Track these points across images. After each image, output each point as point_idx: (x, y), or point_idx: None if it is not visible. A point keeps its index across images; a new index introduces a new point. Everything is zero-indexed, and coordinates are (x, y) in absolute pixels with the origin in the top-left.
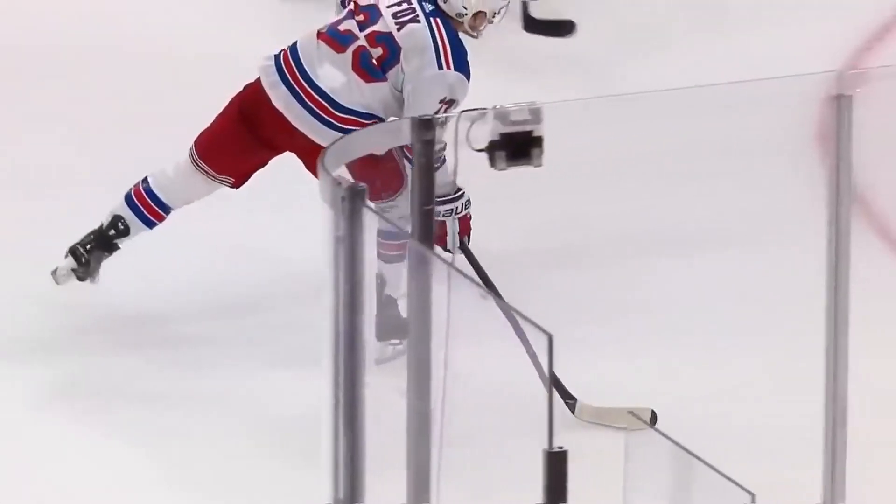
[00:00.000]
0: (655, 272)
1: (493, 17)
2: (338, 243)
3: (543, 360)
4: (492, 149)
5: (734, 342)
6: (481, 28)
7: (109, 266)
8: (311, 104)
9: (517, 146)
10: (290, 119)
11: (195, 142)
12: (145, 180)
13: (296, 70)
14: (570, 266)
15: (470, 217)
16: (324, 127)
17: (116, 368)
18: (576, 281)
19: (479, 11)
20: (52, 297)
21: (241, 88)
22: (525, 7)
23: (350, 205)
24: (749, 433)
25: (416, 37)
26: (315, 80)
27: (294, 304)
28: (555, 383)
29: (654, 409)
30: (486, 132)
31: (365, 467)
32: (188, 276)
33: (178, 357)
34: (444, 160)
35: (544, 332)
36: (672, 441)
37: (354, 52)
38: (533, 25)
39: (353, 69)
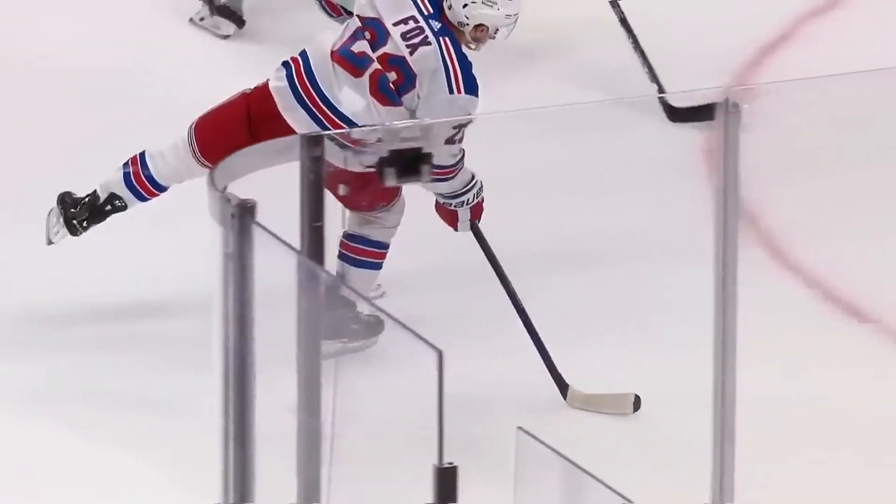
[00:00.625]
0: (550, 286)
1: (495, 32)
2: (227, 260)
3: (434, 376)
4: (381, 165)
5: (625, 353)
6: (482, 42)
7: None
8: (334, 129)
9: (406, 162)
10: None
11: (196, 132)
12: (144, 164)
13: (315, 94)
14: (461, 283)
15: (482, 200)
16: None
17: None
18: (466, 296)
19: (480, 24)
20: None
21: (245, 90)
22: (663, 100)
23: (239, 222)
24: (640, 443)
25: (429, 61)
26: (337, 106)
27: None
28: (549, 369)
29: (638, 394)
30: (372, 150)
31: (255, 486)
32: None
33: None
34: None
35: (434, 348)
36: (560, 455)
37: (372, 76)
38: (678, 115)
39: (371, 93)
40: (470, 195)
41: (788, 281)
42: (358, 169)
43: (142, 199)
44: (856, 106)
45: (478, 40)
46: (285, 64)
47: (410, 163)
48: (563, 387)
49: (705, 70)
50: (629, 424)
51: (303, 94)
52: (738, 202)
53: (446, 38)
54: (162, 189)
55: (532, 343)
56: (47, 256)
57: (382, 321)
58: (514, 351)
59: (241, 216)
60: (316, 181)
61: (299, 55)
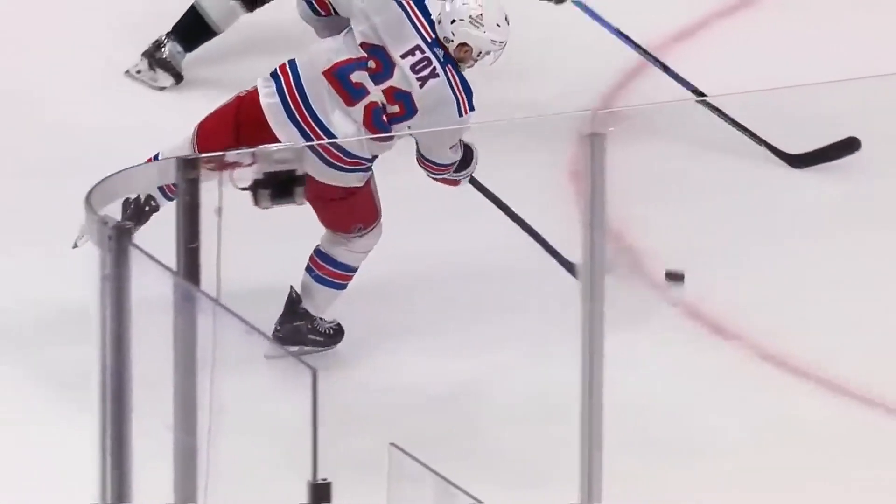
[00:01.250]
0: (423, 298)
1: (479, 55)
2: (104, 282)
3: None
4: (255, 187)
5: (497, 364)
6: (465, 62)
7: None
8: (321, 149)
9: (280, 185)
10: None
11: (197, 132)
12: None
13: (306, 113)
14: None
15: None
16: (328, 168)
17: None
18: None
19: (465, 43)
20: None
21: (241, 93)
22: (774, 150)
23: (117, 244)
24: (509, 458)
25: (438, 93)
26: (328, 127)
27: None
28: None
29: None
30: (250, 171)
31: (132, 502)
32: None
33: None
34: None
35: (309, 366)
36: (432, 470)
37: (367, 108)
38: (806, 160)
39: (364, 124)
40: (473, 168)
41: (654, 298)
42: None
43: (168, 198)
44: (718, 129)
45: (461, 60)
46: (274, 76)
47: (284, 185)
48: (569, 266)
49: (573, 92)
50: (499, 437)
51: (295, 112)
52: (605, 222)
53: (451, 67)
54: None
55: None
56: None
57: (343, 331)
58: (387, 367)
59: (118, 238)
60: (192, 203)
61: (289, 67)
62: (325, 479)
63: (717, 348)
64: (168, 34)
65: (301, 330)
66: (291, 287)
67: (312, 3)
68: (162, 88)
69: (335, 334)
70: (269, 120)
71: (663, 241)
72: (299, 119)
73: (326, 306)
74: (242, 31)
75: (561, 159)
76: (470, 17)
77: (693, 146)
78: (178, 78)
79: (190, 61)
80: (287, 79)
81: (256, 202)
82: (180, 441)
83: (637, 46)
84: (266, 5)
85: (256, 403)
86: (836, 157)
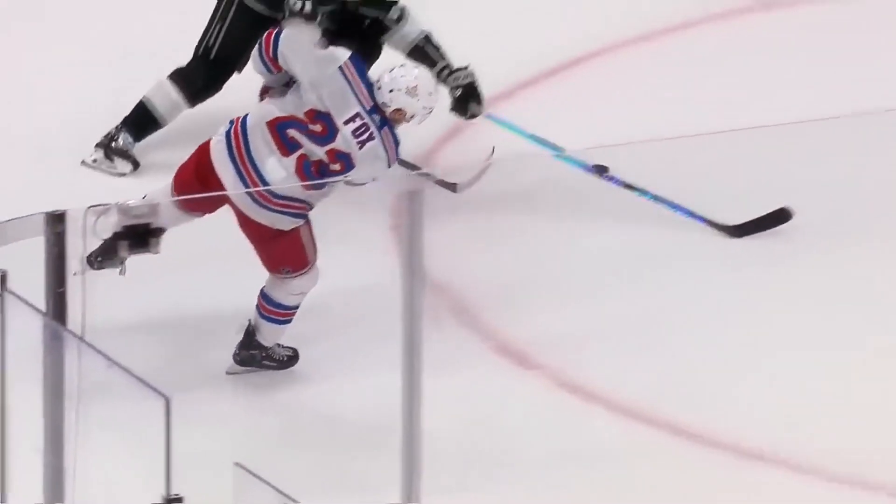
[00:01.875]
0: None
1: (410, 118)
2: None
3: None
4: (115, 239)
5: (328, 389)
6: (398, 123)
7: None
8: (255, 189)
9: (138, 236)
10: (231, 195)
11: (174, 175)
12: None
13: (245, 157)
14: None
15: None
16: (259, 208)
17: None
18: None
19: (399, 109)
20: None
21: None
22: (713, 224)
23: None
24: (343, 475)
25: (374, 152)
26: (262, 171)
27: None
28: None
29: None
30: (110, 224)
31: None
32: None
33: None
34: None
35: (161, 394)
36: (275, 489)
37: (298, 159)
38: (744, 230)
39: (295, 171)
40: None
41: (469, 336)
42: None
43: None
44: (542, 182)
45: (395, 121)
46: (231, 121)
47: (141, 236)
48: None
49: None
50: (333, 457)
51: (235, 154)
52: (423, 272)
53: (387, 129)
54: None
55: None
56: None
57: (297, 356)
58: (234, 390)
59: None
60: (59, 254)
61: (242, 117)
62: (177, 495)
63: (521, 377)
64: (118, 126)
65: (255, 356)
66: (249, 320)
67: (267, 63)
68: (122, 175)
69: (289, 360)
70: (213, 157)
71: (479, 285)
72: (238, 160)
73: (274, 338)
74: (185, 121)
75: (381, 217)
76: (406, 87)
77: (509, 196)
78: (136, 164)
79: (142, 147)
80: (236, 125)
81: (116, 252)
82: (49, 463)
83: (554, 148)
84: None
85: (116, 427)
86: (770, 226)
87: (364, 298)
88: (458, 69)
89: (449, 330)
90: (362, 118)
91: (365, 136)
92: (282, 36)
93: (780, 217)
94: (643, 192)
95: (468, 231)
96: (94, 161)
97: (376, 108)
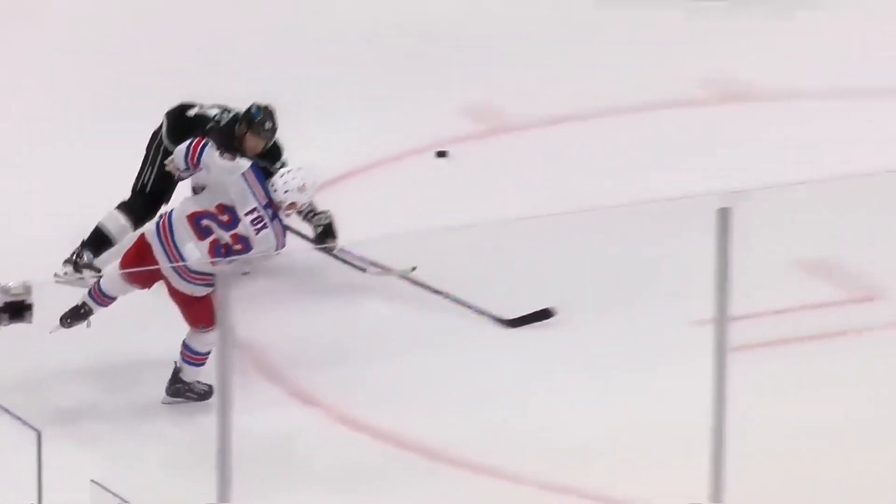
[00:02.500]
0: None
1: (301, 206)
2: None
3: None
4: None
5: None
6: (291, 212)
7: None
8: (178, 268)
9: (14, 310)
10: (162, 270)
11: (119, 261)
12: (98, 281)
13: (171, 241)
14: None
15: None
16: (182, 280)
17: None
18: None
19: (293, 202)
20: None
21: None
22: (491, 316)
23: None
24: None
25: (267, 238)
26: (182, 252)
27: None
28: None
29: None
30: None
31: None
32: None
33: None
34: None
35: (33, 428)
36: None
37: (211, 243)
38: (516, 322)
39: (208, 252)
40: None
41: (278, 393)
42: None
43: (99, 304)
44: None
45: (289, 212)
46: (160, 215)
47: (17, 310)
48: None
49: None
50: (197, 477)
51: (163, 237)
52: (234, 341)
53: (277, 220)
54: (112, 298)
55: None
56: None
57: (212, 390)
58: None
59: None
60: None
61: (169, 212)
62: None
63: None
64: (79, 247)
65: (181, 390)
66: (175, 362)
67: (188, 165)
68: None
69: (206, 393)
70: (148, 241)
71: (287, 349)
72: (165, 244)
73: (193, 377)
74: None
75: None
76: (297, 187)
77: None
78: (99, 271)
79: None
80: (164, 218)
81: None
82: None
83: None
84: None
85: None
86: (537, 320)
87: None
88: (321, 212)
89: (260, 390)
90: (259, 211)
91: (260, 225)
92: (205, 150)
93: (546, 314)
94: (437, 291)
95: (276, 303)
96: (66, 274)
97: (270, 204)
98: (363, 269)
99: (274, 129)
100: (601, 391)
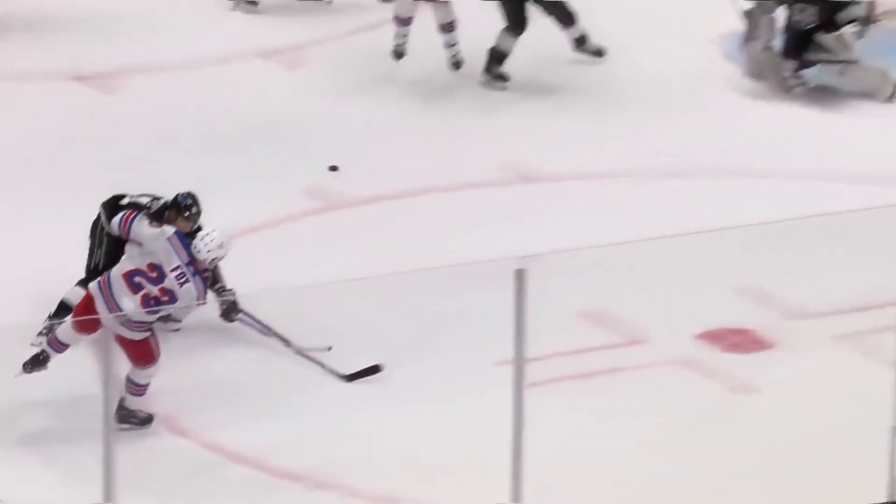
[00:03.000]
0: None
1: (220, 260)
2: None
3: None
4: None
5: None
6: (212, 266)
7: None
8: (118, 317)
9: None
10: (106, 322)
11: (71, 315)
12: (52, 331)
13: (111, 296)
14: None
15: None
16: (122, 327)
17: None
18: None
19: (214, 258)
20: None
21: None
22: (337, 374)
23: None
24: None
25: (189, 292)
26: (120, 305)
27: None
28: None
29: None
30: None
31: None
32: None
33: None
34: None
35: None
36: None
37: (143, 296)
38: (351, 377)
39: (141, 305)
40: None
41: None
42: None
43: (56, 351)
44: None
45: (206, 269)
46: (101, 275)
47: None
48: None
49: None
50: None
51: (103, 294)
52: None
53: (198, 276)
54: (66, 345)
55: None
56: None
57: (152, 418)
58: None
59: None
60: None
61: (108, 272)
62: None
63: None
64: (50, 317)
65: (126, 416)
66: (121, 394)
67: (120, 233)
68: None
69: (145, 421)
70: (92, 294)
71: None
72: (104, 298)
73: (136, 405)
74: None
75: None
76: (216, 246)
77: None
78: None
79: None
80: (105, 277)
81: None
82: None
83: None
84: None
85: None
86: (367, 375)
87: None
88: (228, 289)
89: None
90: (182, 268)
91: (184, 280)
92: (134, 223)
93: (375, 369)
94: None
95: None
96: (40, 343)
97: (192, 262)
98: (266, 335)
99: (199, 213)
100: (424, 420)
